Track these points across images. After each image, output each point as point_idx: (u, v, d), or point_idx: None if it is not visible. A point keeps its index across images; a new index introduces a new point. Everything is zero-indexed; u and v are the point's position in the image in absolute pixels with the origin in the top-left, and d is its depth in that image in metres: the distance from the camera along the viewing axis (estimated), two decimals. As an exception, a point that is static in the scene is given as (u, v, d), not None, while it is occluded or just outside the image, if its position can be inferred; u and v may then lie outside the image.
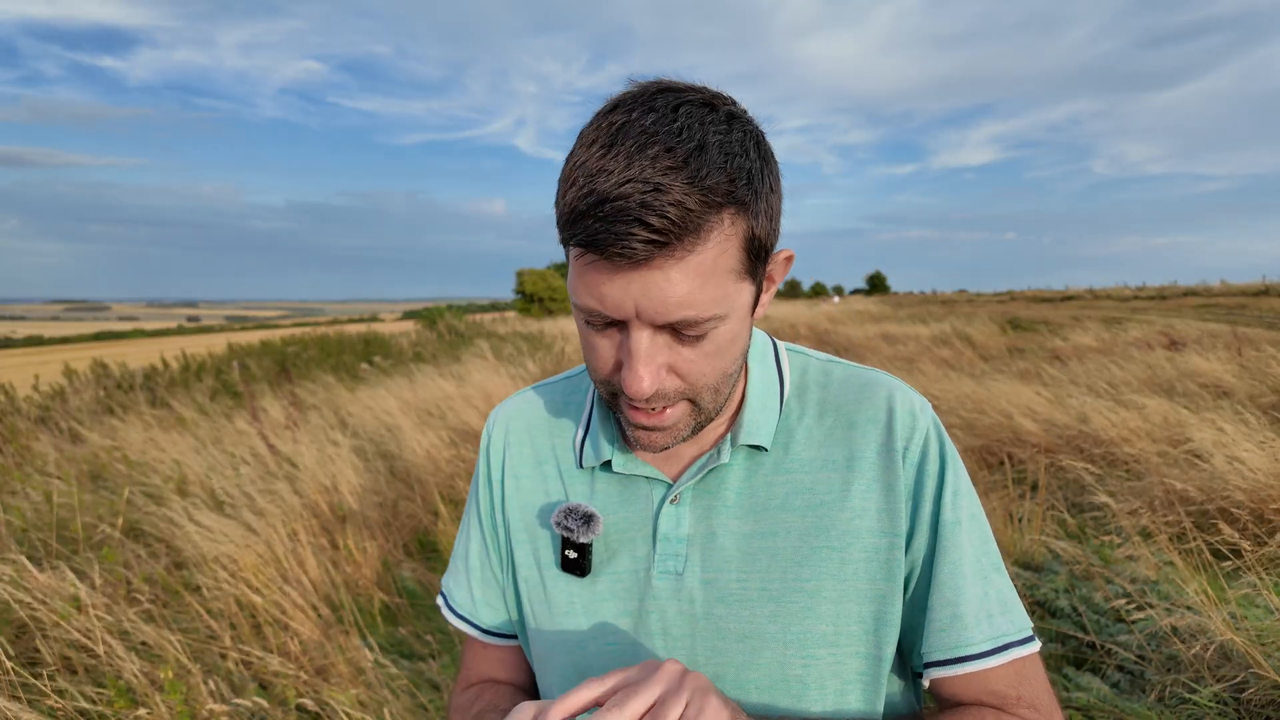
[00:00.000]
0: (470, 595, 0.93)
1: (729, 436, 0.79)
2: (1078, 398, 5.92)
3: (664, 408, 0.70)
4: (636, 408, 0.70)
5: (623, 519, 0.81)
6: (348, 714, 2.44)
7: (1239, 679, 2.48)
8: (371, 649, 3.06)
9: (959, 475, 0.76)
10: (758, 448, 0.79)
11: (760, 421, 0.79)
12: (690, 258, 0.61)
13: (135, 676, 2.52)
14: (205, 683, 2.58)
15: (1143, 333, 10.25)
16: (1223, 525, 2.98)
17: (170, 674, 2.41)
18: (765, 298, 0.75)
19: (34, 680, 2.39)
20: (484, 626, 0.93)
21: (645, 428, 0.72)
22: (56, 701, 2.35)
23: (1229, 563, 3.09)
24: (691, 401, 0.71)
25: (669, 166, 0.59)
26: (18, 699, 2.33)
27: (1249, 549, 2.93)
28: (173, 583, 3.38)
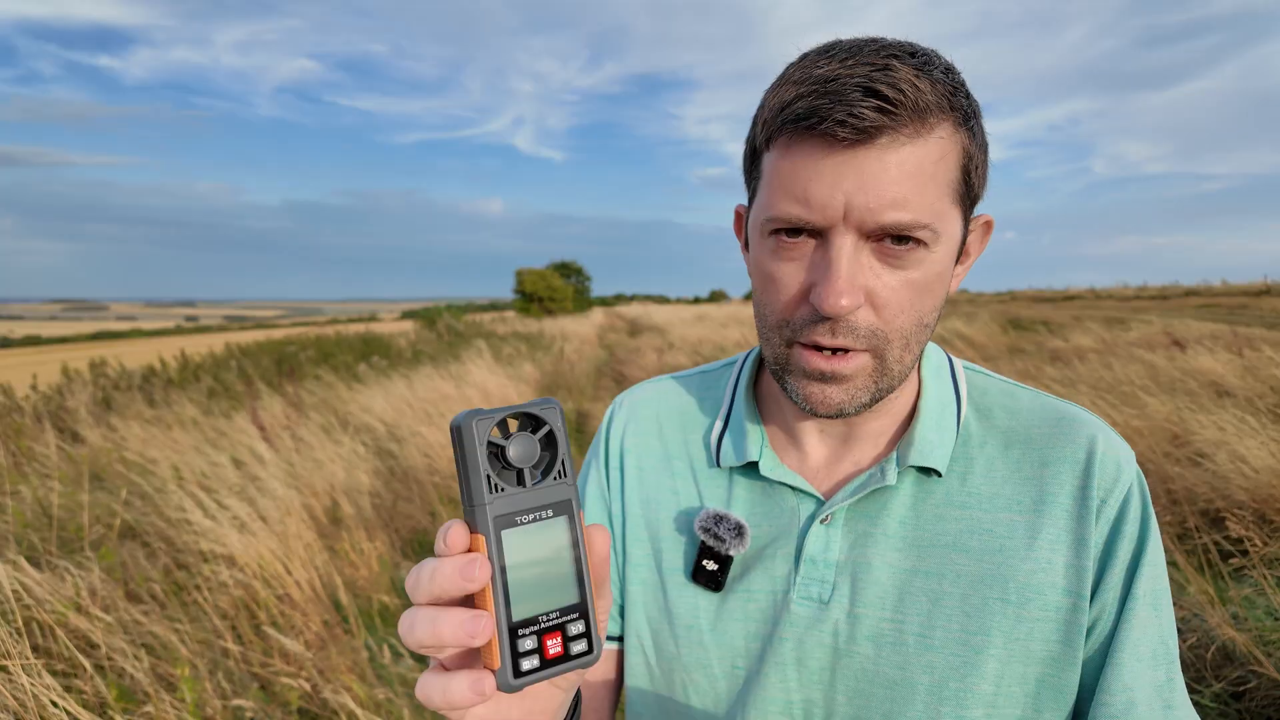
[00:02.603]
0: None
1: (895, 455, 0.70)
2: (1078, 398, 5.92)
3: (847, 351, 0.62)
4: (818, 347, 0.62)
5: (763, 531, 0.73)
6: (351, 714, 2.44)
7: (1240, 678, 2.48)
8: (374, 650, 3.05)
9: (1156, 545, 0.66)
10: (930, 471, 0.69)
11: (934, 441, 0.69)
12: (912, 148, 0.57)
13: (137, 675, 2.51)
14: (208, 682, 2.57)
15: (1143, 333, 10.26)
16: (1231, 523, 2.97)
17: (185, 671, 2.40)
18: (962, 267, 0.68)
19: (35, 677, 2.38)
20: None
21: (822, 376, 0.63)
22: (58, 699, 2.34)
23: (1234, 560, 3.09)
24: (876, 356, 0.63)
25: (894, 55, 0.57)
26: (21, 698, 2.32)
27: (1258, 544, 2.93)
28: (173, 582, 3.37)
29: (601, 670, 0.82)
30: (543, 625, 0.45)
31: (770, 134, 0.61)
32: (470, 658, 0.47)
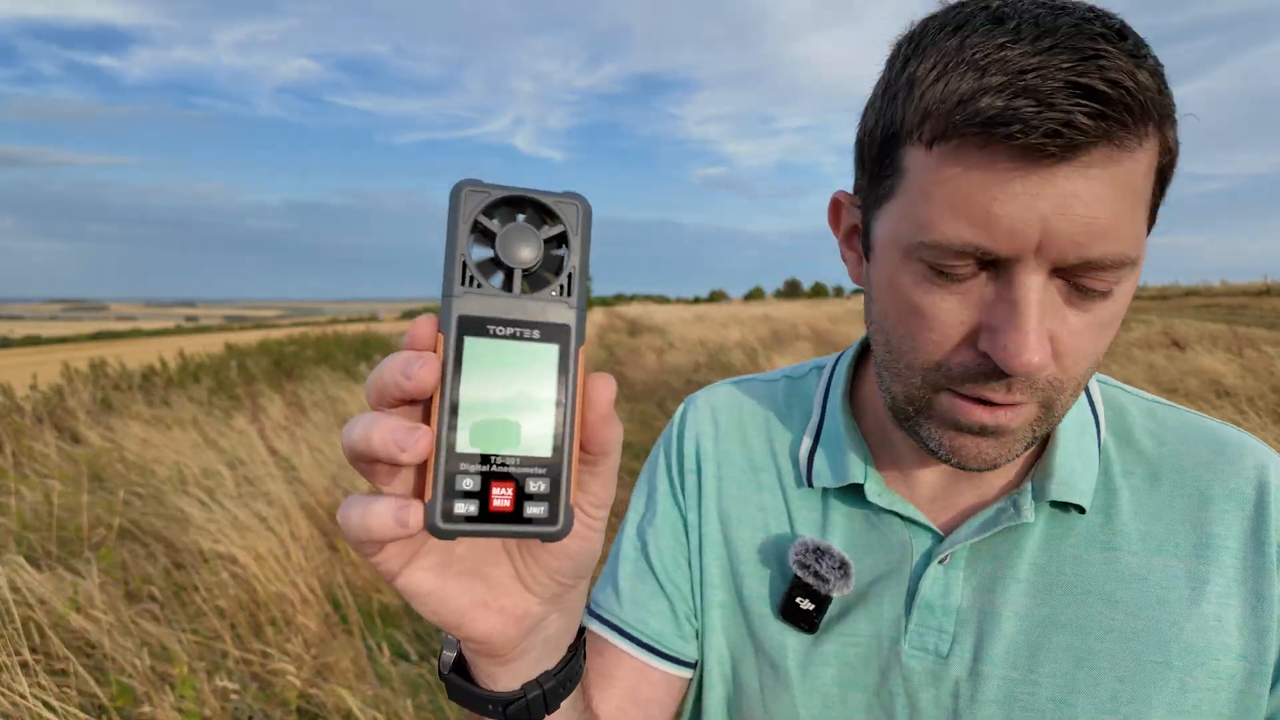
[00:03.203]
0: (615, 588, 0.72)
1: (1029, 486, 0.59)
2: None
3: (1021, 402, 0.51)
4: (981, 400, 0.52)
5: (866, 567, 0.63)
6: (352, 713, 2.43)
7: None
8: (373, 650, 3.05)
9: None
10: (1070, 508, 0.59)
11: (1077, 471, 0.59)
12: (1128, 161, 0.45)
13: (136, 674, 2.51)
14: (206, 683, 2.57)
15: (1143, 333, 10.25)
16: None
17: (184, 670, 2.40)
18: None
19: (35, 676, 2.38)
20: (623, 625, 0.70)
21: (983, 430, 0.53)
22: (59, 698, 2.34)
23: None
24: (1045, 406, 0.53)
25: (1102, 37, 0.44)
26: (22, 697, 2.32)
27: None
28: (173, 582, 3.36)
29: (661, 694, 0.69)
30: (494, 469, 0.35)
31: (937, 131, 0.47)
32: (416, 486, 0.38)
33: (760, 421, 0.73)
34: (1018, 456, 0.55)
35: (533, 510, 0.36)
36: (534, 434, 0.36)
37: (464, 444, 0.35)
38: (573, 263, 0.37)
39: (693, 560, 0.71)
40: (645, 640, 0.69)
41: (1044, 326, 0.48)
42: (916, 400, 0.55)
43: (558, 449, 0.36)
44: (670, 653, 0.69)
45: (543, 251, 0.37)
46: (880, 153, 0.53)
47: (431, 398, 0.36)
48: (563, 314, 0.36)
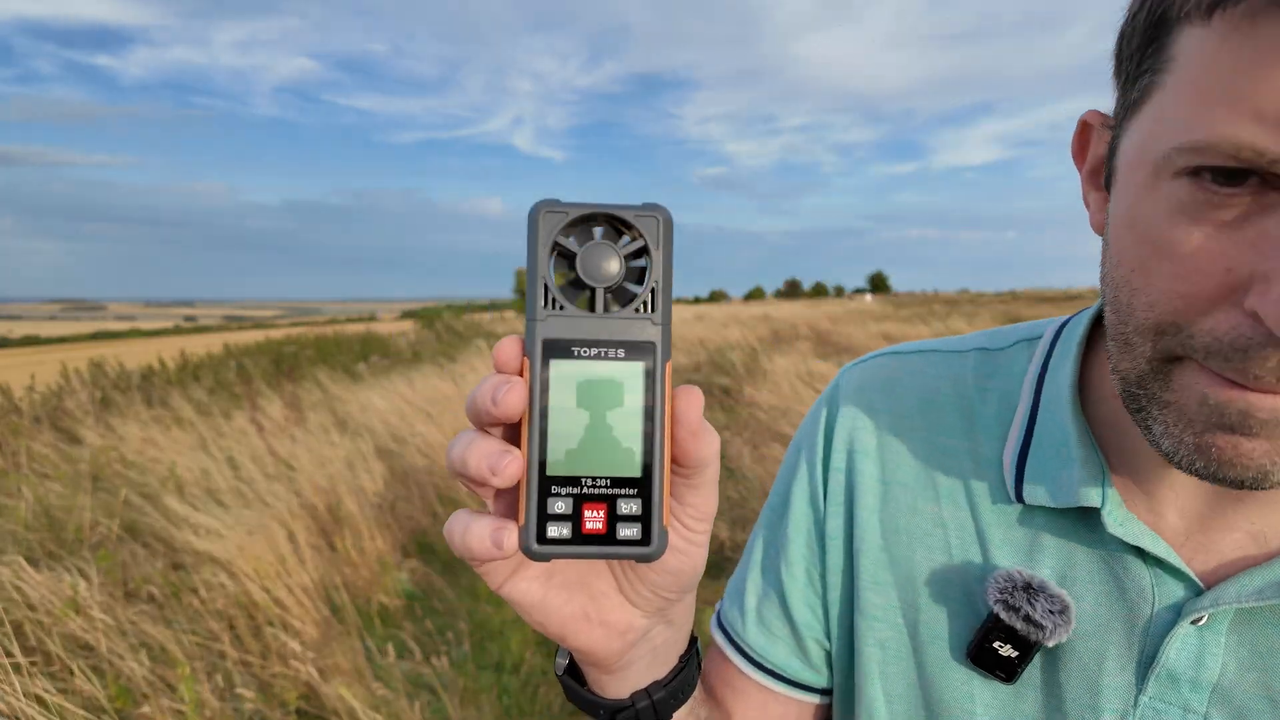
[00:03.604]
0: (741, 604, 0.64)
1: None
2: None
3: None
4: (1249, 378, 0.36)
5: (1088, 612, 0.49)
6: (354, 713, 2.42)
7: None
8: (372, 651, 3.04)
9: None
10: None
11: None
12: None
13: (135, 676, 2.49)
14: (205, 684, 2.55)
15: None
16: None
17: (185, 670, 2.39)
18: None
19: (32, 677, 2.37)
20: (747, 648, 0.62)
21: (1245, 422, 0.37)
22: (57, 698, 2.32)
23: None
24: None
25: None
26: (17, 698, 2.31)
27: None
28: (171, 583, 3.35)
29: (793, 714, 0.62)
30: (585, 490, 0.35)
31: None
32: (512, 506, 0.38)
33: (940, 407, 0.57)
34: None
35: (626, 531, 0.36)
36: (624, 453, 0.36)
37: (555, 467, 0.35)
38: (655, 277, 0.36)
39: (830, 580, 0.60)
40: (770, 667, 0.62)
41: None
42: (1147, 380, 0.41)
43: (648, 468, 0.36)
44: (798, 680, 0.62)
45: (624, 267, 0.36)
46: (1142, 43, 0.39)
47: (521, 422, 0.36)
48: (647, 331, 0.36)
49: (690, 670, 0.47)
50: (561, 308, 0.36)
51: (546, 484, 0.35)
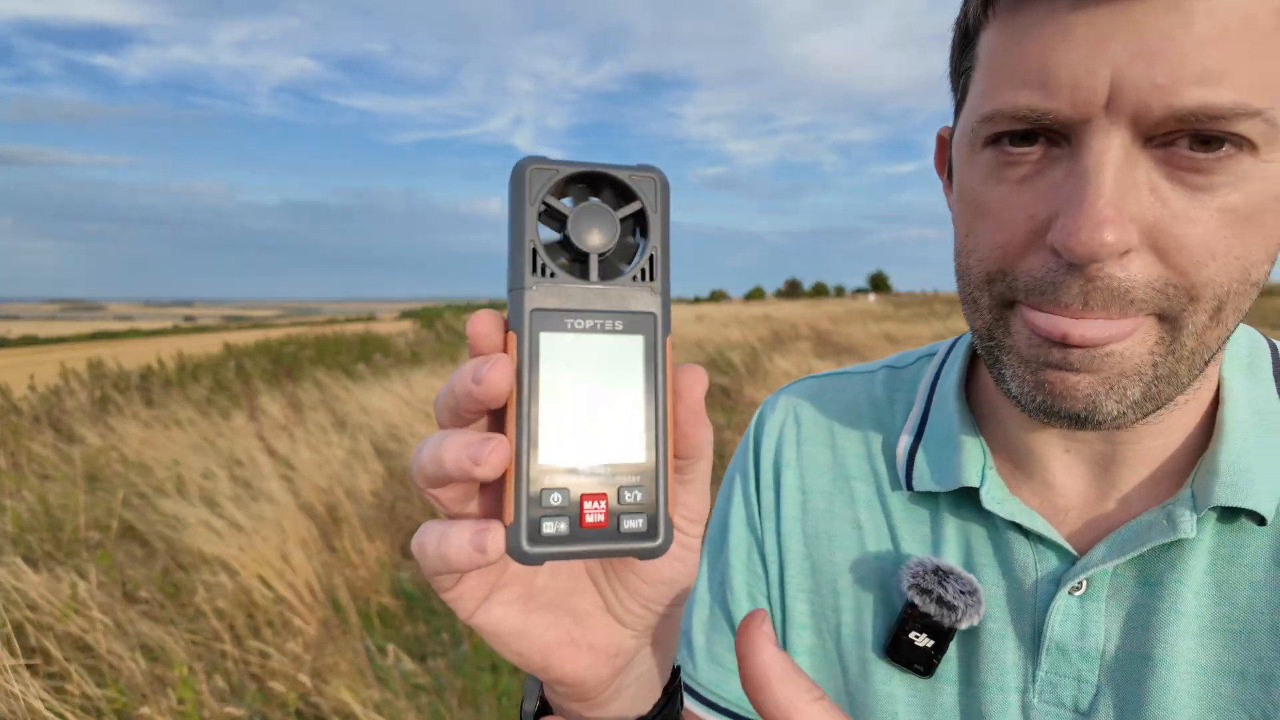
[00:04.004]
0: (689, 642, 0.62)
1: (1190, 492, 0.46)
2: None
3: (1115, 312, 0.40)
4: (1061, 306, 0.40)
5: (989, 594, 0.51)
6: (353, 715, 2.41)
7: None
8: (372, 652, 3.03)
9: None
10: (1247, 516, 0.45)
11: (1254, 470, 0.45)
12: None
13: (135, 677, 2.49)
14: (204, 685, 2.55)
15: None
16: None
17: (184, 671, 2.38)
18: None
19: (33, 678, 2.36)
20: (699, 688, 0.61)
21: (1067, 354, 0.41)
22: (56, 699, 2.32)
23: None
24: (1166, 323, 0.40)
25: None
26: (16, 697, 2.30)
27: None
28: (171, 583, 3.34)
29: None
30: (583, 479, 0.31)
31: None
32: (493, 510, 0.34)
33: (853, 419, 0.60)
34: (1135, 409, 0.42)
35: (630, 524, 0.31)
36: (625, 437, 0.32)
37: (548, 454, 0.31)
38: (653, 243, 0.33)
39: (773, 595, 0.59)
40: (725, 706, 0.59)
41: (1124, 202, 0.38)
42: (991, 330, 0.45)
43: (652, 452, 0.32)
44: (743, 710, 0.59)
45: (619, 232, 0.33)
46: (958, 52, 0.47)
47: (506, 406, 0.31)
48: (646, 300, 0.32)
49: (675, 705, 0.42)
50: (552, 275, 0.31)
51: (539, 474, 0.31)
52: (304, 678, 2.73)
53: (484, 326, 0.31)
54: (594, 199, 0.33)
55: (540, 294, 0.31)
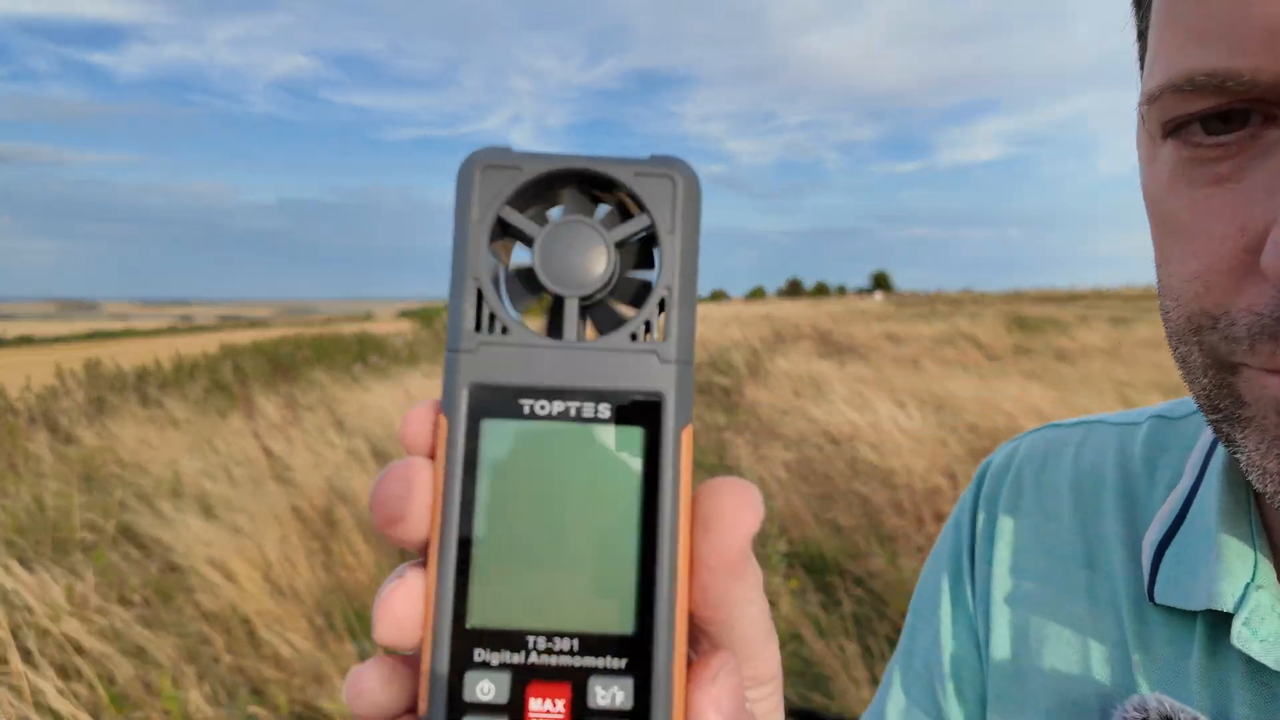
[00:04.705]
0: (879, 707, 0.51)
1: None
2: (1083, 399, 5.87)
3: None
4: None
5: None
6: (346, 718, 2.37)
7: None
8: (366, 655, 2.98)
9: None
10: None
11: None
12: None
13: (127, 680, 2.45)
14: (196, 689, 2.51)
15: (1151, 332, 10.20)
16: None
17: (170, 680, 2.34)
18: None
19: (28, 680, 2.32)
20: None
21: None
22: (49, 699, 2.28)
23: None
24: None
25: None
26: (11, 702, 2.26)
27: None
28: (164, 586, 3.30)
29: None
30: (533, 659, 0.20)
31: None
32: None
33: (1094, 485, 0.44)
34: None
35: None
36: (605, 590, 0.20)
37: (480, 614, 0.20)
38: (666, 282, 0.21)
39: (964, 694, 0.47)
40: None
41: None
42: (1216, 398, 0.32)
43: (647, 618, 0.20)
44: None
45: (616, 264, 0.21)
46: (1137, 17, 0.35)
47: (431, 533, 0.21)
48: (651, 373, 0.21)
49: None
50: (505, 330, 0.21)
51: (465, 645, 0.20)
52: (299, 682, 2.69)
53: (416, 420, 0.21)
54: (573, 212, 0.22)
55: (485, 360, 0.21)
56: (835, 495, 4.26)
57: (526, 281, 0.22)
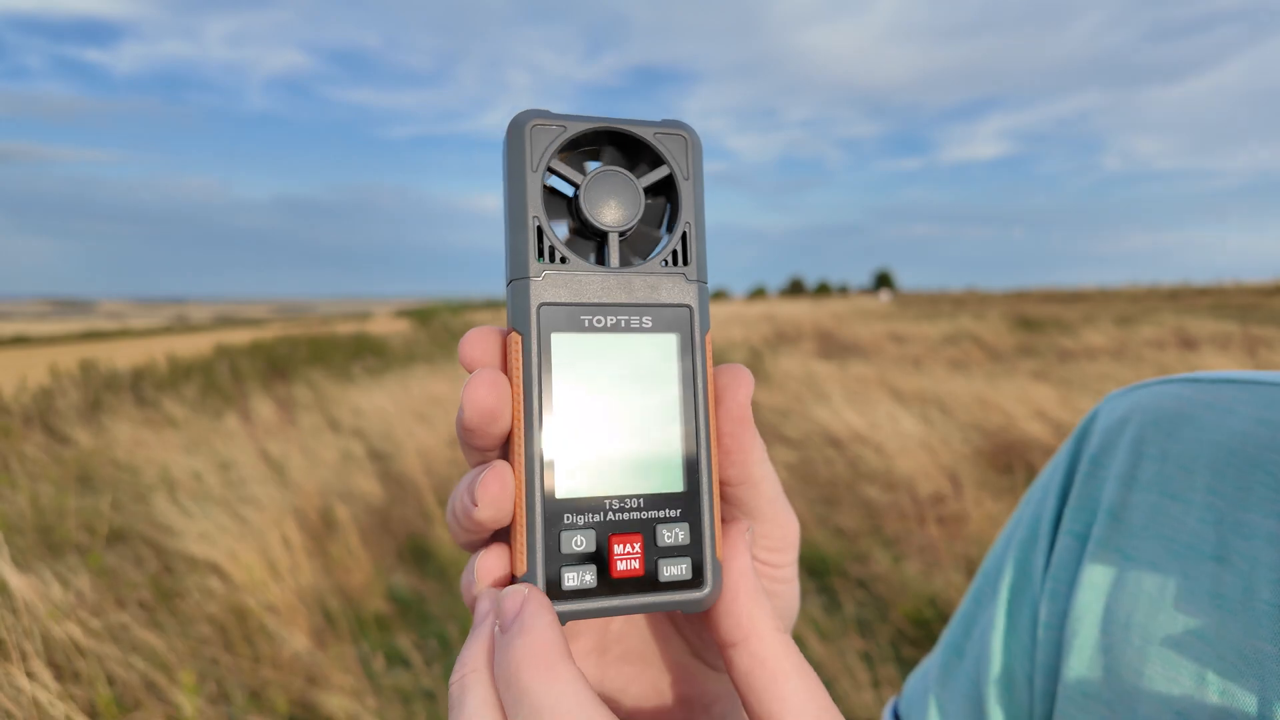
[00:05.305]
0: (922, 696, 0.47)
1: None
2: (1086, 398, 5.85)
3: None
4: None
5: None
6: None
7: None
8: (365, 657, 2.96)
9: None
10: None
11: None
12: None
13: (126, 681, 2.42)
14: (197, 689, 2.48)
15: (1155, 332, 10.20)
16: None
17: (191, 679, 2.32)
18: None
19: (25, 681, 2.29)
20: None
21: None
22: (46, 700, 2.25)
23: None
24: None
25: None
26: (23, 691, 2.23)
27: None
28: (161, 587, 3.27)
29: None
30: (610, 517, 0.25)
31: None
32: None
33: (1249, 465, 0.35)
34: None
35: (670, 570, 0.25)
36: (660, 460, 0.25)
37: (566, 487, 0.25)
38: (686, 218, 0.27)
39: (1036, 678, 0.41)
40: None
41: None
42: None
43: (694, 479, 0.26)
44: None
45: (640, 204, 0.26)
46: None
47: (514, 426, 0.25)
48: (680, 290, 0.26)
49: None
50: (563, 260, 0.26)
51: (555, 515, 0.25)
52: (297, 683, 2.67)
53: (478, 340, 0.25)
54: (610, 164, 0.27)
55: (549, 285, 0.25)
56: (837, 497, 4.24)
57: (573, 221, 0.27)
